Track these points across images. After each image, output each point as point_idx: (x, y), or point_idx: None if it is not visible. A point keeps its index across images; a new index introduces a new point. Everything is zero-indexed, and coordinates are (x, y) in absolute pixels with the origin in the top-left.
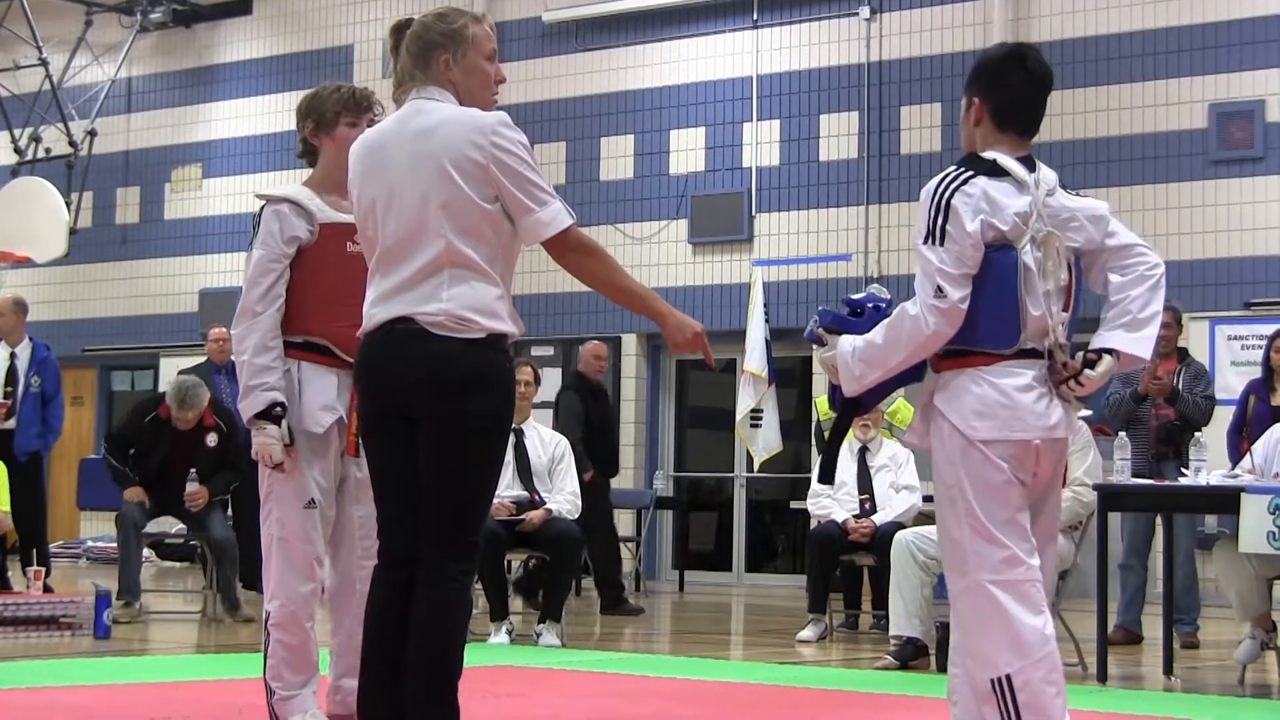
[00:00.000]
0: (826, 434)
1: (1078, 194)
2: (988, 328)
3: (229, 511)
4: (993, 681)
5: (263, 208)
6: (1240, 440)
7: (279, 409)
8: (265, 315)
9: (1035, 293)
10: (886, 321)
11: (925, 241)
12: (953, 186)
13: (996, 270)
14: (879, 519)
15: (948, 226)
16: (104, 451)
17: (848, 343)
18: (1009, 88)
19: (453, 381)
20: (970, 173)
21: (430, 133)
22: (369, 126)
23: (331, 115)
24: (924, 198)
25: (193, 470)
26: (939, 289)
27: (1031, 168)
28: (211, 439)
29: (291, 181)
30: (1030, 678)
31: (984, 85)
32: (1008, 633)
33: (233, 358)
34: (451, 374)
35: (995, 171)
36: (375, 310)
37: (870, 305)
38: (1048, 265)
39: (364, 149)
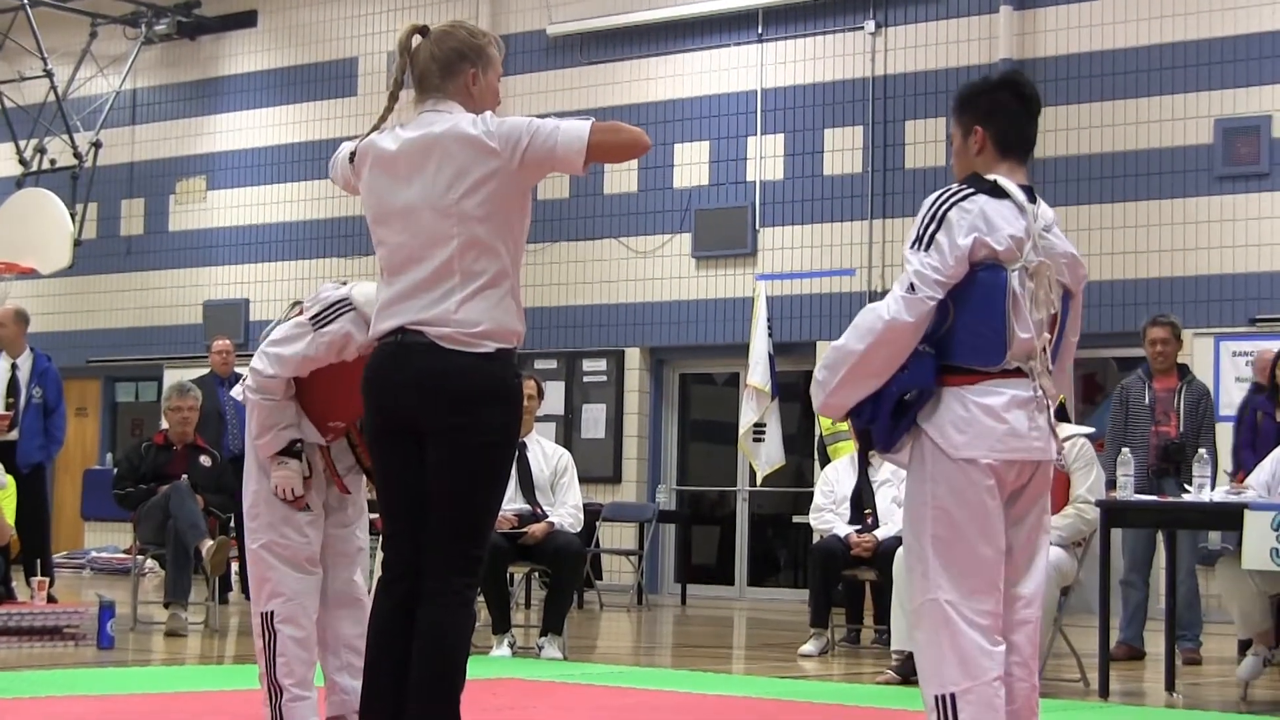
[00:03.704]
0: (830, 449)
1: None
2: (970, 344)
3: (231, 525)
4: (936, 698)
5: None
6: (1250, 455)
7: (299, 445)
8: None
9: (1024, 317)
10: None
11: (912, 247)
12: (952, 201)
13: (983, 288)
14: (881, 534)
15: (938, 235)
16: (115, 498)
17: None
18: (1008, 114)
19: (463, 396)
20: (971, 190)
21: (436, 142)
22: None
23: None
24: (922, 209)
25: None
26: (911, 285)
27: (1032, 199)
28: (205, 460)
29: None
30: (977, 697)
31: (982, 113)
32: (958, 652)
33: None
34: (462, 389)
35: (996, 192)
36: (384, 317)
37: None
38: (1039, 294)
39: (373, 157)
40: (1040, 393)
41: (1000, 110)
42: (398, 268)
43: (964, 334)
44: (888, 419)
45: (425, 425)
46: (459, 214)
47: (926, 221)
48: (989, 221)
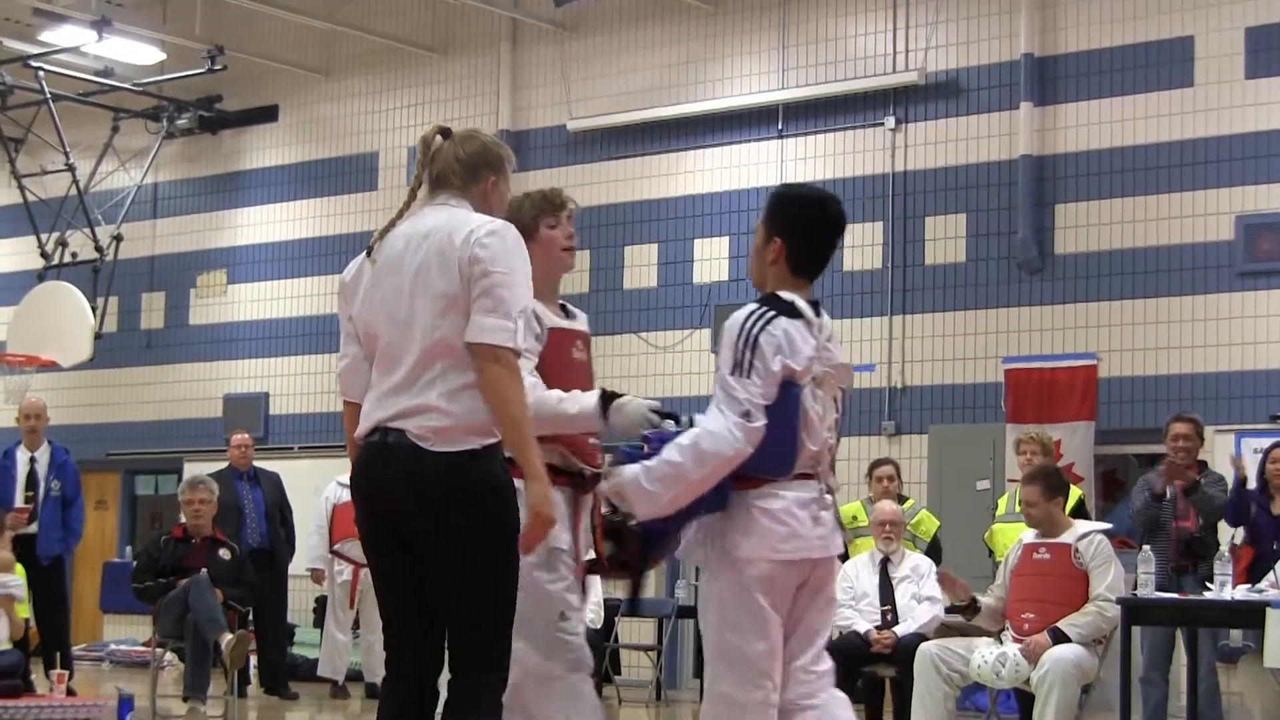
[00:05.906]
0: (849, 545)
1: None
2: (766, 455)
3: (250, 619)
4: None
5: None
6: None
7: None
8: None
9: (813, 429)
10: (680, 442)
11: (733, 373)
12: (760, 325)
13: (779, 406)
14: (901, 630)
15: (755, 361)
16: (135, 592)
17: (631, 470)
18: (809, 237)
19: (448, 498)
20: (774, 313)
21: (429, 233)
22: (569, 223)
23: (530, 220)
24: (729, 331)
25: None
26: (747, 414)
27: (817, 312)
28: (224, 553)
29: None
30: None
31: (786, 228)
32: None
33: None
34: (446, 491)
35: (793, 313)
36: (370, 412)
37: (658, 441)
38: (827, 400)
39: (360, 268)
40: (823, 492)
41: (801, 228)
42: (385, 365)
43: (761, 446)
44: (674, 524)
45: (414, 527)
46: (438, 304)
47: (742, 347)
48: (791, 343)
